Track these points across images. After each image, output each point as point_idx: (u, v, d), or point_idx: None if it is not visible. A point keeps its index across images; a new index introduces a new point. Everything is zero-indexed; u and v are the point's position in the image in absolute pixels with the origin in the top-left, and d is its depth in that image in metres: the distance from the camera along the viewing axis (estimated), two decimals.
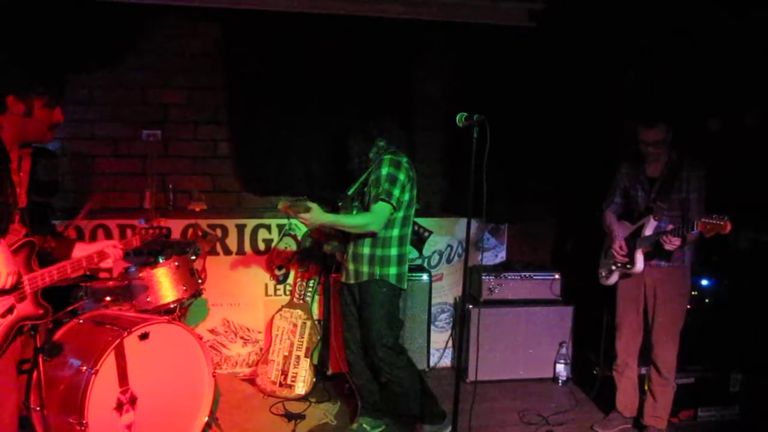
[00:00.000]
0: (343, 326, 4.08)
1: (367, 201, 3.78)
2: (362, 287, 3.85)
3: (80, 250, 3.05)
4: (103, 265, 3.13)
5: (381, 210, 3.67)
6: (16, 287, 2.64)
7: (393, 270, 3.81)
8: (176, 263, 3.94)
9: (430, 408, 3.97)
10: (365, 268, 3.81)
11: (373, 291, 3.81)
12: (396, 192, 3.68)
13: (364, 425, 4.10)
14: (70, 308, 3.32)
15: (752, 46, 4.41)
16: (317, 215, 3.56)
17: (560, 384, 5.01)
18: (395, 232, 3.78)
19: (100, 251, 3.08)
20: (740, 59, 4.52)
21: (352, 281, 3.89)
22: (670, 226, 3.77)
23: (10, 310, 2.65)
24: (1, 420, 2.73)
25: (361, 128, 3.88)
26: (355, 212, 3.83)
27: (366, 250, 3.80)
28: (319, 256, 4.82)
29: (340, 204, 3.91)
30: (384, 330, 3.81)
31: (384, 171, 3.69)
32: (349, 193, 3.88)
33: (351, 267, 3.87)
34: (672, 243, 3.71)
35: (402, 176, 3.70)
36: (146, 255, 4.13)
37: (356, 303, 3.94)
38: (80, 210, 4.37)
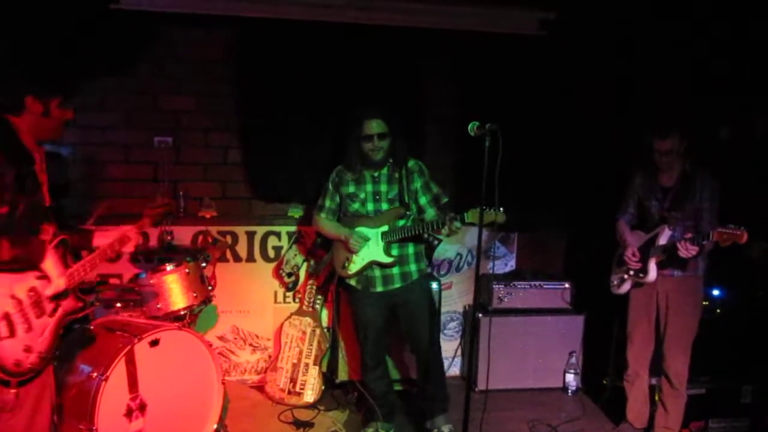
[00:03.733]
0: (371, 337, 4.05)
1: (419, 205, 3.94)
2: (412, 287, 3.95)
3: (100, 239, 3.11)
4: (125, 249, 3.18)
5: None
6: (66, 291, 2.78)
7: (424, 264, 4.07)
8: (187, 270, 3.94)
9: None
10: (413, 267, 3.96)
11: (423, 287, 4.02)
12: None
13: (380, 429, 4.12)
14: (81, 314, 3.32)
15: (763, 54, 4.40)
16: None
17: (570, 394, 4.98)
18: None
19: (120, 237, 3.13)
20: (751, 67, 4.51)
21: (397, 285, 3.93)
22: (689, 235, 3.74)
23: (56, 309, 2.76)
24: (38, 417, 2.78)
25: (402, 132, 3.93)
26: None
27: (411, 249, 3.96)
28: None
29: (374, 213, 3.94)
30: (435, 321, 4.09)
31: (428, 173, 3.97)
32: (398, 204, 3.93)
33: (395, 271, 3.91)
34: (689, 250, 3.68)
35: None
36: (157, 261, 4.15)
37: (391, 309, 3.99)
38: (90, 215, 4.39)
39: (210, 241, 4.60)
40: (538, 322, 4.99)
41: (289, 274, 4.92)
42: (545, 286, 5.08)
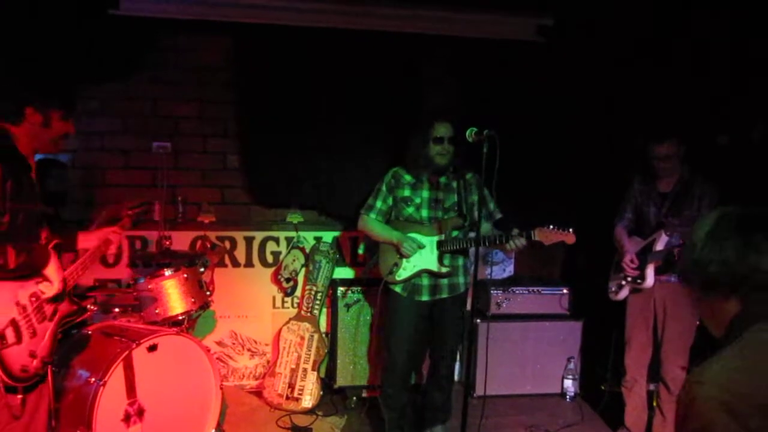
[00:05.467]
0: (407, 349, 3.92)
1: (478, 216, 3.80)
2: (457, 301, 3.90)
3: (84, 241, 3.16)
4: (109, 251, 3.30)
5: None
6: (63, 294, 2.80)
7: (469, 278, 3.94)
8: (185, 275, 3.94)
9: None
10: (461, 279, 3.90)
11: (464, 301, 3.95)
12: None
13: None
14: (79, 319, 3.33)
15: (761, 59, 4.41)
16: None
17: (568, 399, 4.98)
18: None
19: (104, 240, 3.20)
20: (749, 72, 4.52)
21: (444, 295, 3.87)
22: (682, 242, 3.75)
23: (55, 312, 2.79)
24: (36, 422, 2.80)
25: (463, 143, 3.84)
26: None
27: (460, 261, 3.89)
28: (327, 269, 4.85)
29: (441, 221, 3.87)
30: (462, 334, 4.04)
31: (485, 189, 3.68)
32: (453, 213, 3.86)
33: (444, 282, 3.85)
34: None
35: None
36: (155, 266, 4.14)
37: (430, 317, 3.91)
38: (91, 221, 4.39)
39: (208, 246, 4.61)
40: (537, 327, 4.99)
41: (288, 279, 4.92)
42: (543, 292, 5.08)
